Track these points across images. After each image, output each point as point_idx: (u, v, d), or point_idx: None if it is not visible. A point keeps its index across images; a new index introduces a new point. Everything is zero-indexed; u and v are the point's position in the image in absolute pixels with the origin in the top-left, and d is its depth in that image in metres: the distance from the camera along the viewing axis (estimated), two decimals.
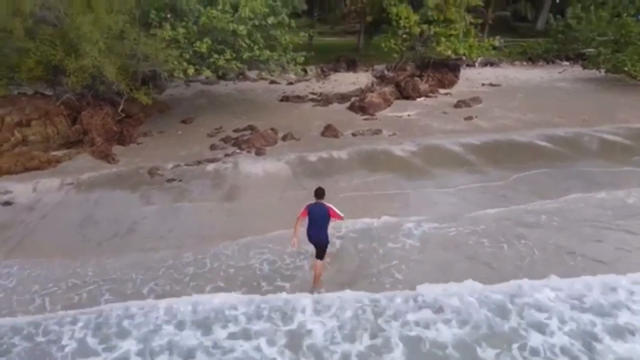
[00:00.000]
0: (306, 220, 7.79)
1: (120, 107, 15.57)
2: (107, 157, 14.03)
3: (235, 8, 16.59)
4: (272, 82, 24.77)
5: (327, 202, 7.81)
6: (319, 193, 7.80)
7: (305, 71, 26.11)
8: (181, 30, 15.41)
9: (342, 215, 7.83)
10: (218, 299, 7.63)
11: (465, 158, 14.20)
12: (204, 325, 7.07)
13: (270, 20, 17.14)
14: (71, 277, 8.36)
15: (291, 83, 25.00)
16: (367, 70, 27.67)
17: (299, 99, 21.98)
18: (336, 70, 28.05)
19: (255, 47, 16.99)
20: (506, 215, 10.40)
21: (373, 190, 11.96)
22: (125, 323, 7.13)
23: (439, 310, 7.30)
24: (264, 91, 23.68)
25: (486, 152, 14.67)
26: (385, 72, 24.59)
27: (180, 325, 7.08)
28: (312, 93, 23.05)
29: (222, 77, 23.28)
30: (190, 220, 10.33)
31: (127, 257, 8.89)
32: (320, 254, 7.88)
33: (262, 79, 24.37)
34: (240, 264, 8.69)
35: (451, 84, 24.45)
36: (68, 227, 10.03)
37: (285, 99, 22.04)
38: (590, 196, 11.41)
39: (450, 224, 9.98)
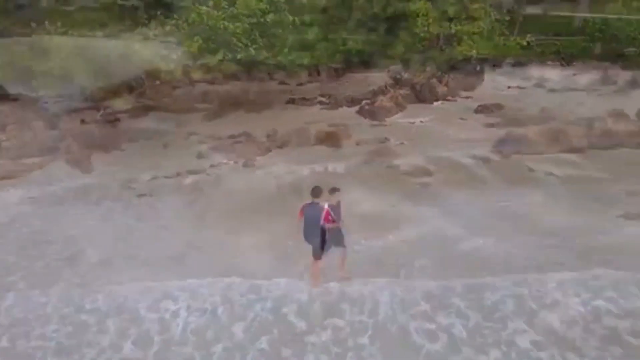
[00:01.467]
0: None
1: (101, 112, 14.49)
2: (82, 166, 12.98)
3: (233, 4, 15.32)
4: (282, 82, 23.41)
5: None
6: (315, 192, 7.32)
7: (318, 72, 24.71)
8: (168, 28, 14.22)
9: (335, 219, 7.10)
10: None
11: (477, 173, 12.49)
12: None
13: (270, 17, 15.80)
14: None
15: (301, 84, 23.54)
16: (383, 71, 25.92)
17: (306, 101, 20.53)
18: (351, 71, 26.40)
19: (253, 46, 15.66)
20: (509, 250, 8.66)
21: (365, 208, 10.46)
22: None
23: None
24: (271, 92, 22.23)
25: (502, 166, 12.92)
26: (402, 73, 22.86)
27: None
28: (322, 95, 21.51)
29: (228, 78, 22.11)
30: (146, 248, 8.98)
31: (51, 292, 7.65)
32: (316, 253, 7.33)
33: (271, 79, 23.17)
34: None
35: (473, 86, 22.53)
36: (3, 252, 8.84)
37: (291, 101, 20.62)
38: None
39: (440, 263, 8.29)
